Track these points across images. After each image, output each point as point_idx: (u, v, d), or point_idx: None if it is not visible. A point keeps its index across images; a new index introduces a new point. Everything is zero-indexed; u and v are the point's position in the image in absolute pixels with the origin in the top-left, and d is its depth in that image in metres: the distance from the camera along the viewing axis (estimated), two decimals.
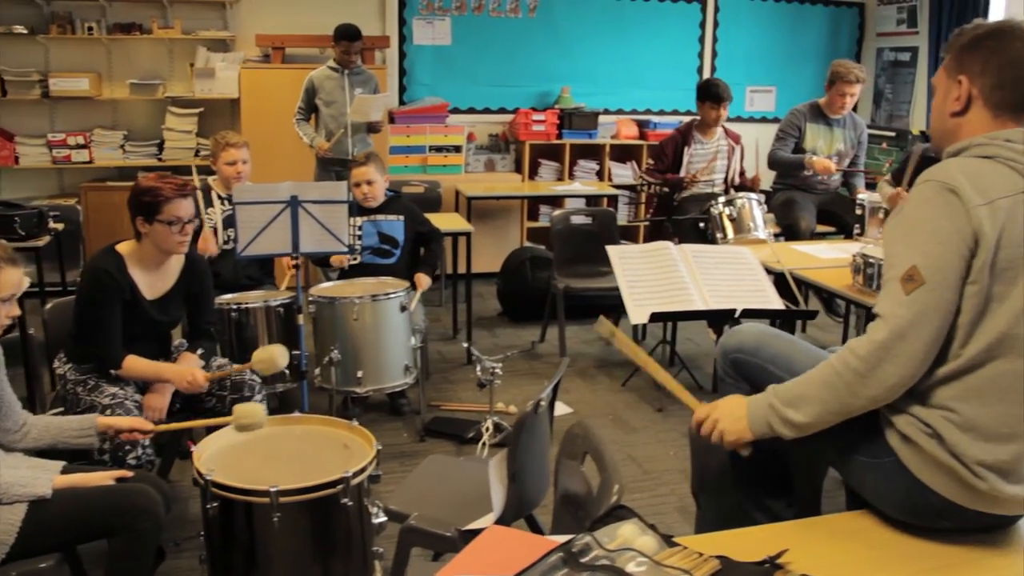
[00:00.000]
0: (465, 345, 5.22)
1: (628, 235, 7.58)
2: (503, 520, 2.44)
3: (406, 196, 6.39)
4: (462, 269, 5.77)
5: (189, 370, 3.21)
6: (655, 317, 3.95)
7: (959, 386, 1.85)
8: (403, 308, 4.06)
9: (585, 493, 2.12)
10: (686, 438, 3.07)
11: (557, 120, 7.46)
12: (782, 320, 3.86)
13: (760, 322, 2.63)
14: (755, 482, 2.26)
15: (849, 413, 1.90)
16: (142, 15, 6.78)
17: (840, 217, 5.66)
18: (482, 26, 7.48)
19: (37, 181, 6.90)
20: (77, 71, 6.71)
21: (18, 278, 2.51)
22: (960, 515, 1.87)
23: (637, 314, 3.84)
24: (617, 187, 7.36)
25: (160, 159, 6.88)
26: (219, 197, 4.40)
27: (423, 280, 4.52)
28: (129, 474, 2.59)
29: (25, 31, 6.54)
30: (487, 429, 3.97)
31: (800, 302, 3.92)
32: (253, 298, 4.09)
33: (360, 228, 4.61)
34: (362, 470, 2.49)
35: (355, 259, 4.59)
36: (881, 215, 4.63)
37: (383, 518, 2.59)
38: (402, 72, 7.41)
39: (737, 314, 3.73)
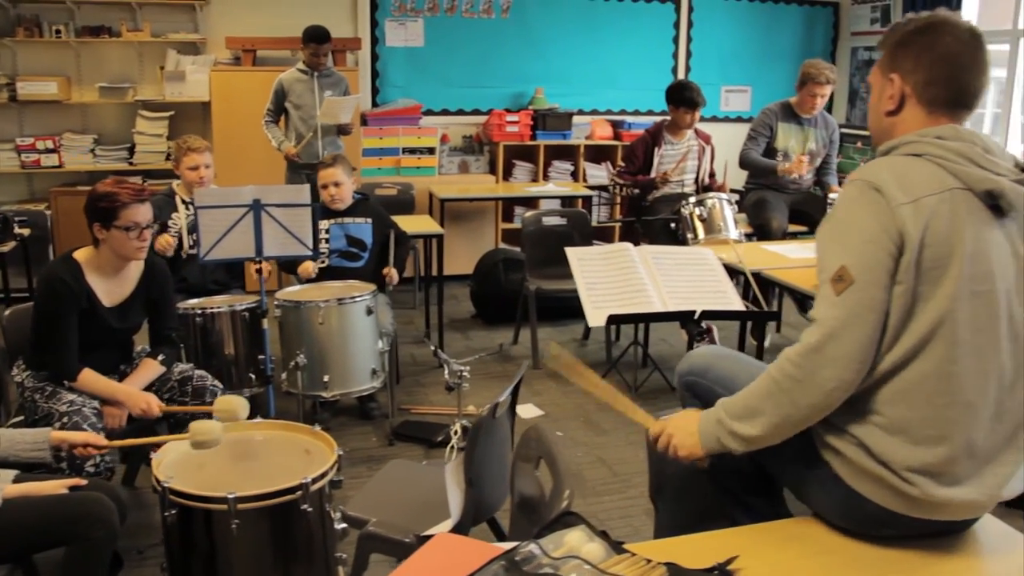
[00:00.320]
0: (434, 347, 5.20)
1: (603, 236, 7.56)
2: (462, 525, 2.42)
3: (378, 198, 6.38)
4: (435, 271, 5.74)
5: (144, 397, 3.17)
6: (612, 319, 3.94)
7: (886, 389, 1.81)
8: (369, 311, 4.03)
9: (539, 498, 2.10)
10: None
11: (531, 121, 7.43)
12: (752, 322, 3.85)
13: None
14: (732, 480, 2.23)
15: (795, 425, 1.85)
16: (111, 18, 6.72)
17: (812, 217, 5.67)
18: (455, 27, 7.45)
19: (6, 186, 6.82)
20: (45, 75, 6.63)
21: None
22: (901, 523, 1.84)
23: (595, 316, 3.82)
24: (592, 188, 7.34)
25: (131, 163, 6.81)
26: (183, 202, 4.36)
27: (391, 274, 4.50)
28: (83, 482, 2.56)
29: None
30: (455, 432, 3.94)
31: (763, 304, 3.91)
32: (218, 303, 4.05)
33: (328, 231, 4.58)
34: (322, 475, 2.47)
35: (323, 262, 4.56)
36: None
37: (345, 524, 2.58)
38: (375, 74, 7.37)
39: (696, 315, 3.72)
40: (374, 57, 7.34)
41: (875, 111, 1.99)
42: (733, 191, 5.69)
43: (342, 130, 5.97)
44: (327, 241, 4.57)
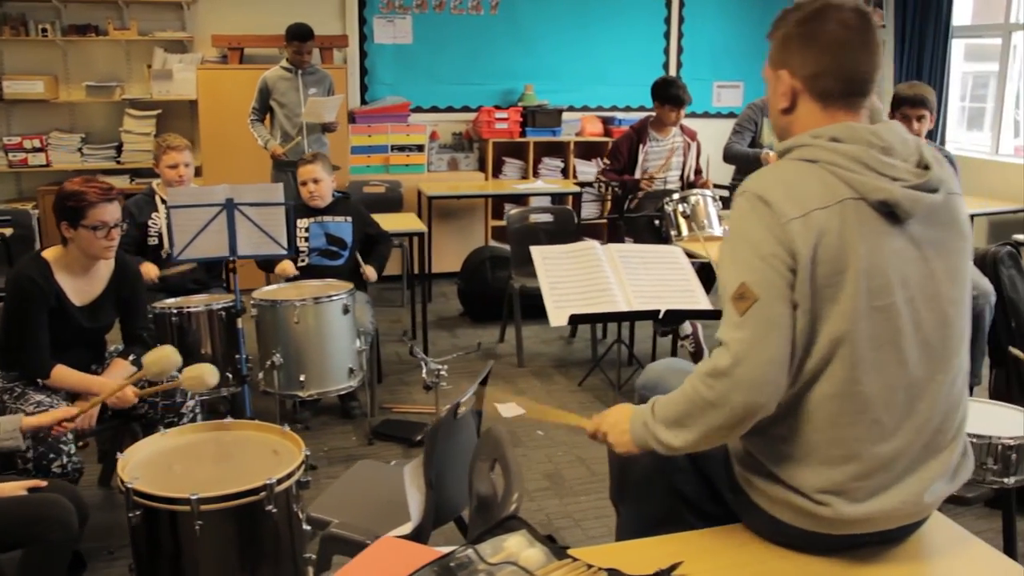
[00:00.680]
0: (410, 345, 5.20)
1: (592, 232, 7.51)
2: (423, 527, 2.40)
3: (367, 196, 6.37)
4: (421, 269, 5.72)
5: (118, 384, 3.16)
6: (575, 319, 3.91)
7: (794, 412, 1.74)
8: (346, 310, 4.01)
9: (492, 499, 2.08)
10: None
11: (520, 118, 7.40)
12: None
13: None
14: (689, 486, 2.19)
15: (721, 437, 1.76)
16: (98, 16, 6.70)
17: None
18: (444, 24, 7.42)
19: None
20: (32, 73, 6.63)
21: None
22: (830, 540, 1.79)
23: (556, 316, 3.78)
24: (582, 184, 7.31)
25: (119, 162, 6.80)
26: (163, 201, 4.35)
27: (369, 272, 4.48)
28: (42, 483, 2.55)
29: None
30: None
31: None
32: (195, 302, 4.03)
33: (308, 230, 4.56)
34: (288, 476, 2.45)
35: (303, 261, 4.55)
36: None
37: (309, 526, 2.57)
38: (363, 71, 7.34)
39: (660, 315, 3.69)
40: (362, 54, 7.32)
41: (773, 110, 1.89)
42: (718, 187, 5.65)
43: (327, 128, 5.95)
44: (307, 240, 4.56)
